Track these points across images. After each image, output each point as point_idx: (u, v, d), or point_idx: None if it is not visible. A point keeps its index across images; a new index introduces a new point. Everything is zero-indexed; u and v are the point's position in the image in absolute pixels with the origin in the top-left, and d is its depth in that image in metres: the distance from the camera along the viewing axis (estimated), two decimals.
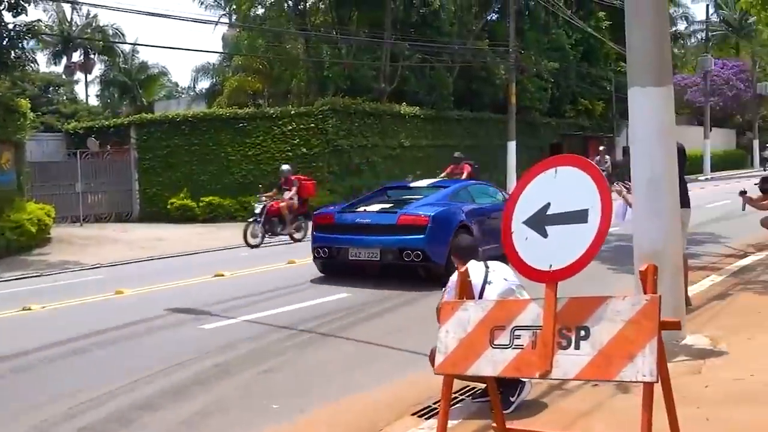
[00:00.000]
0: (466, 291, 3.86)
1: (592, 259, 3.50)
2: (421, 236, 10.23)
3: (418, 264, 10.33)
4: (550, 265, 3.55)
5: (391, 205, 11.49)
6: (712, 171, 43.33)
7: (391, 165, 25.61)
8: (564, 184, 3.58)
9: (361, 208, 11.32)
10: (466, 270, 3.90)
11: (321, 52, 27.67)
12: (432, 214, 10.42)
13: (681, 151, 8.13)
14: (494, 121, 30.99)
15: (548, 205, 3.60)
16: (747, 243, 13.34)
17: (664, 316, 6.27)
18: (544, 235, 3.59)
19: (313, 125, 23.71)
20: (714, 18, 54.19)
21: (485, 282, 4.97)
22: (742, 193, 13.17)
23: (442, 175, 17.89)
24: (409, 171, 25.77)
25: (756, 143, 51.31)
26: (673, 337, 6.39)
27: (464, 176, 17.18)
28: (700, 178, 39.48)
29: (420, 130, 27.32)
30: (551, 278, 3.53)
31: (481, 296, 4.85)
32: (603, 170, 23.24)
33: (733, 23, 53.36)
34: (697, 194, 23.63)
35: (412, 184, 12.99)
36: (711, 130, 45.14)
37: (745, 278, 9.68)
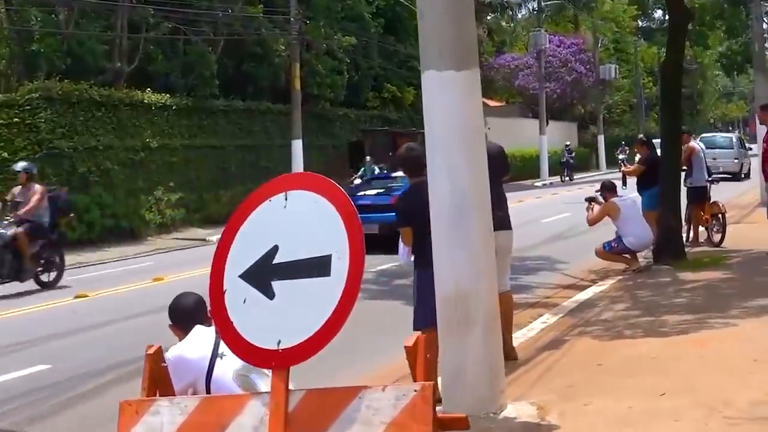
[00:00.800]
0: (160, 383, 3.36)
1: (340, 328, 3.16)
2: None
3: None
4: (279, 342, 3.20)
5: (384, 189, 18.94)
6: (550, 175, 45.64)
7: (133, 173, 24.77)
8: (298, 218, 3.24)
9: (361, 192, 18.76)
10: (157, 352, 3.38)
11: (28, 18, 26.25)
12: None
13: (497, 154, 8.17)
14: (274, 114, 31.10)
15: (276, 249, 3.22)
16: (589, 269, 13.91)
17: (478, 377, 6.24)
18: (270, 295, 3.22)
19: (17, 120, 22.51)
20: None
21: (215, 355, 4.58)
22: (590, 199, 13.70)
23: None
24: (160, 181, 25.07)
25: (601, 139, 54.85)
26: (489, 408, 6.27)
27: None
28: (536, 184, 41.43)
29: (173, 125, 26.75)
30: (281, 362, 3.17)
31: (209, 377, 4.51)
32: None
33: None
34: (532, 206, 24.64)
35: (394, 174, 19.90)
36: (548, 123, 47.80)
37: (584, 317, 9.98)
